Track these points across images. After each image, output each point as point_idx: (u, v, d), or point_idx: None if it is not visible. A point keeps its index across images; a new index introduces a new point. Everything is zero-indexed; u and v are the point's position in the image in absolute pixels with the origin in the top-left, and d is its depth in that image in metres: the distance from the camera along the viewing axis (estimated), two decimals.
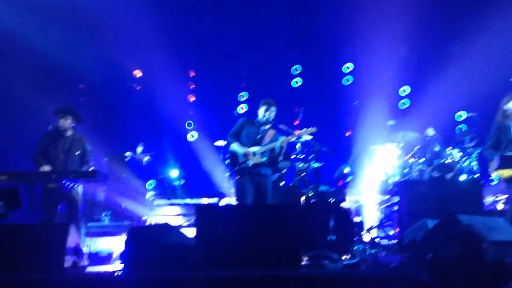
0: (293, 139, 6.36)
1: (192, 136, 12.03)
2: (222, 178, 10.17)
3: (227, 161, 6.56)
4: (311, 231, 5.66)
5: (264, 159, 6.27)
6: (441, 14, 10.64)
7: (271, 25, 11.40)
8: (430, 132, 9.12)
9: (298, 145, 8.34)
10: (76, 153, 6.35)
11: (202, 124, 11.92)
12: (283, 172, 8.14)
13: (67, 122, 6.38)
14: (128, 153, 10.00)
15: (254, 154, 6.24)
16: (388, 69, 11.31)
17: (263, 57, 11.75)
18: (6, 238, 4.64)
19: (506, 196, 7.87)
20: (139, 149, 10.32)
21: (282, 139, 6.29)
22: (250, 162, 6.22)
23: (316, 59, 11.76)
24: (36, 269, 4.33)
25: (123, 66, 11.36)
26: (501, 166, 5.95)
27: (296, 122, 11.08)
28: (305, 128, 6.25)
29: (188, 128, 12.12)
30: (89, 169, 6.22)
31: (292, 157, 8.27)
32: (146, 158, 10.28)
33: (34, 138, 6.53)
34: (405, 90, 11.77)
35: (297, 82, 12.12)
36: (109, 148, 9.81)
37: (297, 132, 6.29)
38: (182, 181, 10.10)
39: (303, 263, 4.92)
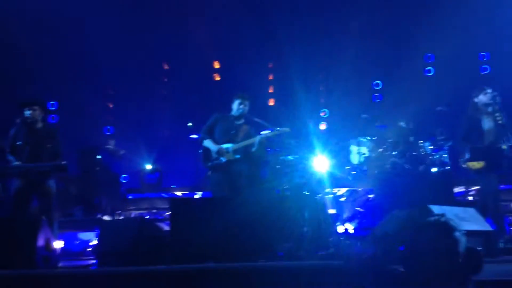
0: (273, 135, 6.35)
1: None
2: (197, 172, 10.13)
3: (201, 157, 6.49)
4: (286, 223, 5.68)
5: (238, 155, 6.24)
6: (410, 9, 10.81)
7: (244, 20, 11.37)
8: (402, 125, 9.23)
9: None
10: (47, 146, 6.19)
11: (177, 117, 11.83)
12: (257, 165, 8.13)
13: (35, 114, 6.18)
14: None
15: (227, 151, 6.20)
16: (360, 64, 11.44)
17: (238, 50, 11.72)
18: None
19: (476, 187, 8.05)
20: (112, 142, 10.24)
21: (263, 137, 6.22)
22: (223, 159, 6.18)
23: (288, 53, 11.76)
24: (6, 264, 4.24)
25: (99, 56, 11.14)
26: (472, 158, 6.08)
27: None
28: (279, 128, 6.25)
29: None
30: (61, 162, 6.08)
31: (267, 150, 8.27)
32: (121, 152, 10.19)
33: (3, 132, 6.34)
34: (378, 84, 11.95)
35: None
36: (81, 141, 9.66)
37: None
38: (157, 175, 10.02)
39: (278, 255, 4.93)
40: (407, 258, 2.46)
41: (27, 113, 6.16)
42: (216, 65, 12.15)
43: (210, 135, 6.36)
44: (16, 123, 6.21)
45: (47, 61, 10.28)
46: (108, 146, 10.19)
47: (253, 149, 6.25)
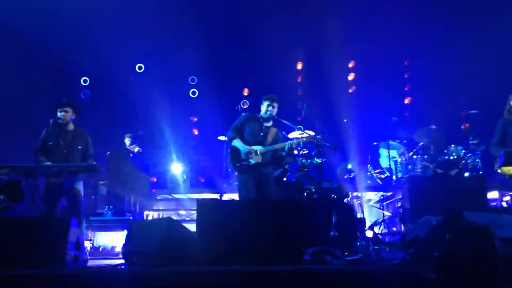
0: (301, 142, 6.32)
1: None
2: (225, 173, 10.15)
3: (228, 157, 6.49)
4: (313, 227, 5.61)
5: (267, 158, 6.22)
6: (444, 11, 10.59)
7: (273, 21, 11.36)
8: (433, 128, 9.07)
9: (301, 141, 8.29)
10: (78, 147, 6.32)
11: (205, 118, 11.90)
12: (286, 168, 8.10)
13: (67, 115, 6.35)
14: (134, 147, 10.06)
15: (256, 153, 6.18)
16: (391, 66, 11.30)
17: (266, 52, 11.72)
18: (7, 231, 4.60)
19: (511, 192, 7.83)
20: (127, 140, 10.31)
21: (293, 142, 6.20)
22: (252, 161, 6.16)
23: (319, 55, 11.71)
24: (37, 263, 4.29)
25: (126, 59, 11.31)
26: (506, 163, 5.89)
27: (299, 118, 11.08)
28: (310, 135, 6.21)
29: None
30: (93, 163, 6.17)
31: (295, 152, 8.23)
32: (136, 149, 10.25)
33: (36, 131, 6.48)
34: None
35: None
36: (112, 143, 9.80)
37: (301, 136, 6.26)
38: (185, 176, 10.08)
39: (305, 259, 4.88)
40: (442, 264, 2.35)
41: (60, 114, 6.32)
42: None
43: (239, 135, 6.34)
44: (49, 124, 6.33)
45: None
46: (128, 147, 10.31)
47: (283, 153, 6.22)
